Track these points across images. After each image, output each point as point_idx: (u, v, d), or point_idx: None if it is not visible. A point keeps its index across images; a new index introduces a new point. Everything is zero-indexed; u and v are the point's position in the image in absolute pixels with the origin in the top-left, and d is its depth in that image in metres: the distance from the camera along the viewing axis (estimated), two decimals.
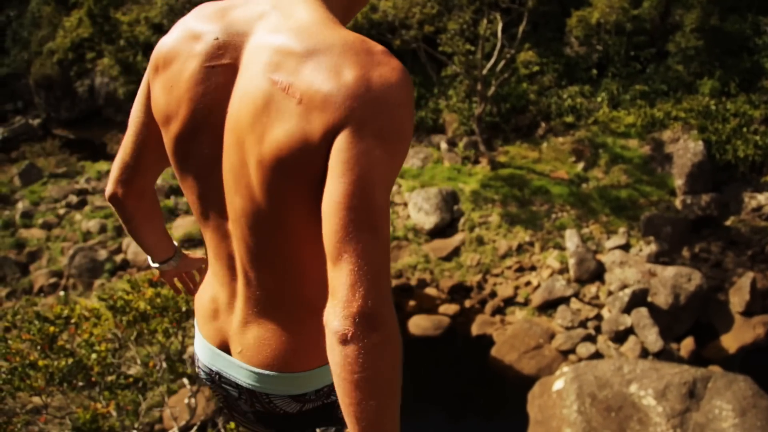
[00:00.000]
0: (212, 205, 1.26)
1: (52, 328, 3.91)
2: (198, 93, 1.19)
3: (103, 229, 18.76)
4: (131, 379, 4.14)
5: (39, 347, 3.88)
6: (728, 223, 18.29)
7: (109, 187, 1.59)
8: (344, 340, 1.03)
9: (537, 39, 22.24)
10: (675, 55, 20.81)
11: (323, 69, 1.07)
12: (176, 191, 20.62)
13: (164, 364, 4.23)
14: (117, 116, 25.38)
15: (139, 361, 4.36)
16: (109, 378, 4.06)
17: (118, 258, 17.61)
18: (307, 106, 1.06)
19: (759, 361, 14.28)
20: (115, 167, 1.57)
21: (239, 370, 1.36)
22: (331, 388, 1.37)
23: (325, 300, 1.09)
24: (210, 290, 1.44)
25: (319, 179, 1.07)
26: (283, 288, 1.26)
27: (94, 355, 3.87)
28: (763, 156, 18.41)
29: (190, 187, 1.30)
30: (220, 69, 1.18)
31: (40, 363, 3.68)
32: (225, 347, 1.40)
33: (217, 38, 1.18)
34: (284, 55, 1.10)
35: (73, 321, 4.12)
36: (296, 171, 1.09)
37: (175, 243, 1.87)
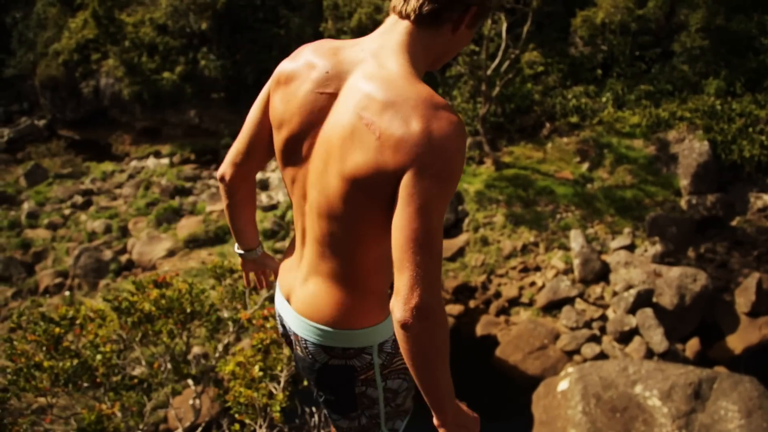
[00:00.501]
0: (298, 191, 1.67)
1: (57, 329, 3.92)
2: (306, 110, 1.59)
3: (108, 230, 18.82)
4: (136, 380, 4.15)
5: (44, 348, 3.89)
6: (734, 223, 18.21)
7: (222, 167, 1.95)
8: (404, 326, 1.42)
9: (541, 39, 22.19)
10: (680, 55, 20.74)
11: (398, 117, 1.41)
12: (180, 192, 20.67)
13: (169, 365, 4.24)
14: (122, 117, 25.46)
15: (143, 362, 4.37)
16: (114, 379, 4.06)
17: (123, 258, 17.66)
18: (383, 143, 1.41)
19: (765, 362, 14.20)
20: (230, 152, 1.93)
21: (292, 316, 1.79)
22: (355, 352, 1.72)
23: (358, 281, 1.64)
24: (291, 250, 1.90)
25: (383, 197, 1.44)
26: (332, 263, 1.66)
27: (99, 356, 3.88)
28: None
29: (287, 175, 1.70)
30: (325, 96, 1.57)
31: (45, 364, 3.69)
32: (288, 298, 1.82)
33: (328, 72, 1.57)
34: (371, 100, 1.45)
35: (78, 322, 4.13)
36: (366, 188, 1.47)
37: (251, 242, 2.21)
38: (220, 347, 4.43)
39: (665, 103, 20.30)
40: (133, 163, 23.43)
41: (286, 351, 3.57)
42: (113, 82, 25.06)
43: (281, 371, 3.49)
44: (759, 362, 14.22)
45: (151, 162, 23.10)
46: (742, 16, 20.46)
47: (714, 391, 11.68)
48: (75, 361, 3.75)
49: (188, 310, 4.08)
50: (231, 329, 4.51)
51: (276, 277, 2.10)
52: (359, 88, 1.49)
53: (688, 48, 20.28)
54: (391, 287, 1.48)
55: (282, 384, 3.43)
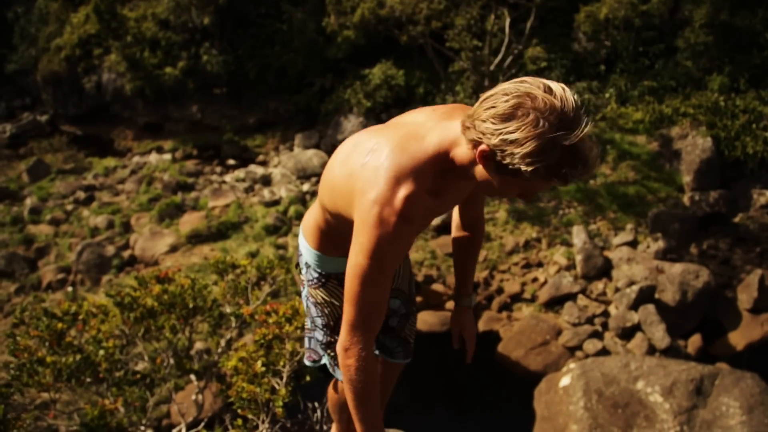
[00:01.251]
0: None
1: (60, 325, 3.92)
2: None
3: (110, 225, 18.83)
4: (139, 376, 4.15)
5: (47, 343, 3.90)
6: (737, 219, 18.17)
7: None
8: (338, 362, 1.88)
9: (545, 35, 22.10)
10: (684, 51, 20.65)
11: (361, 184, 1.78)
12: (183, 187, 20.67)
13: (171, 361, 4.24)
14: (124, 112, 25.45)
15: (146, 357, 4.37)
16: (117, 374, 4.07)
17: (126, 254, 17.67)
18: (356, 193, 1.79)
19: (767, 358, 14.20)
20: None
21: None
22: (316, 281, 2.28)
23: (326, 239, 2.23)
24: None
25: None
26: (320, 220, 2.16)
27: (101, 352, 3.88)
28: None
29: None
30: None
31: (48, 359, 3.69)
32: None
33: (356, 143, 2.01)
34: (360, 164, 1.84)
35: (80, 317, 4.13)
36: (341, 209, 1.95)
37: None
38: (222, 342, 4.43)
39: (668, 99, 20.22)
40: (136, 159, 23.44)
41: (289, 346, 3.58)
42: (115, 78, 25.04)
43: (284, 366, 3.49)
44: (761, 359, 14.21)
45: (153, 157, 23.10)
46: (746, 12, 20.36)
47: (715, 388, 11.68)
48: (78, 357, 3.75)
49: (191, 306, 4.09)
50: (233, 324, 4.52)
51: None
52: (358, 155, 1.98)
53: (691, 44, 20.19)
54: None
55: (284, 379, 3.44)
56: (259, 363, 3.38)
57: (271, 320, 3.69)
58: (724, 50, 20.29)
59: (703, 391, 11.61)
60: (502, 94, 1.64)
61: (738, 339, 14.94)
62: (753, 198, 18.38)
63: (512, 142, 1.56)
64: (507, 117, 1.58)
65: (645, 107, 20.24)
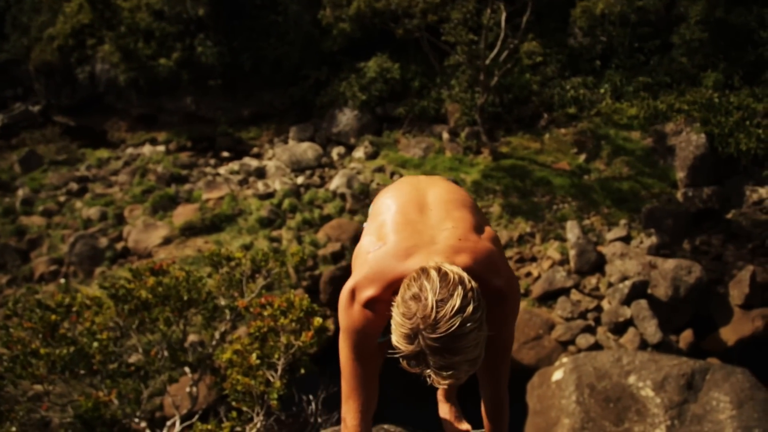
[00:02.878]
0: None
1: (53, 317, 3.89)
2: None
3: (103, 217, 18.72)
4: (133, 368, 4.13)
5: (41, 335, 3.87)
6: (729, 216, 18.24)
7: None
8: None
9: (541, 29, 22.08)
10: (679, 47, 20.68)
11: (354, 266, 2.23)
12: (177, 179, 20.59)
13: (166, 353, 4.23)
14: (118, 103, 25.29)
15: (140, 350, 4.35)
16: (111, 366, 4.05)
17: (119, 246, 17.59)
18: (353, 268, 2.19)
19: (757, 354, 14.29)
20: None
21: None
22: None
23: None
24: None
25: None
26: None
27: (95, 344, 3.86)
28: (765, 149, 18.31)
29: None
30: None
31: (42, 351, 3.67)
32: None
33: None
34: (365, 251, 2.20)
35: (74, 309, 4.11)
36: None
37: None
38: (216, 335, 4.42)
39: (663, 95, 20.26)
40: (129, 150, 23.31)
41: (284, 339, 3.57)
42: (109, 68, 24.86)
43: (278, 359, 3.48)
44: (751, 354, 14.31)
45: (147, 149, 22.97)
46: (741, 9, 20.40)
47: (706, 382, 11.75)
48: (71, 349, 3.73)
49: (185, 298, 4.07)
50: (228, 317, 4.50)
51: None
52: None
53: (687, 40, 20.22)
54: None
55: (279, 372, 3.43)
56: (254, 356, 3.37)
57: (266, 313, 3.69)
58: (719, 47, 20.33)
59: (694, 385, 11.68)
60: (410, 281, 1.84)
61: (729, 334, 15.03)
62: (746, 194, 18.46)
63: (394, 321, 1.84)
64: (400, 303, 1.82)
65: (640, 103, 20.27)
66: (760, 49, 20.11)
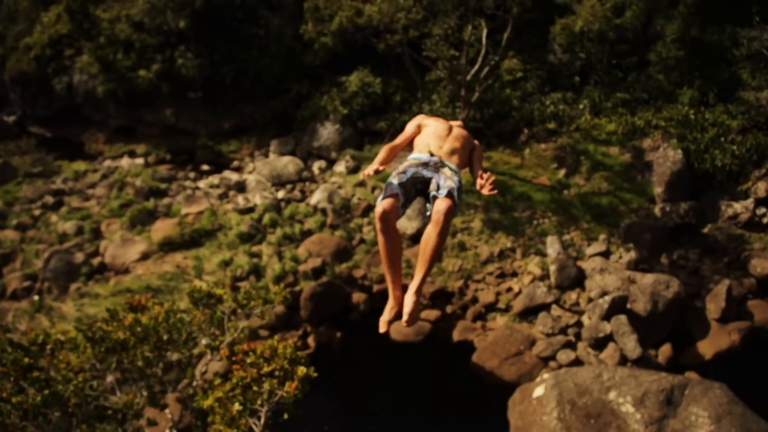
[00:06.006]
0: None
1: (26, 359, 3.77)
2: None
3: (80, 231, 18.39)
4: (110, 411, 4.02)
5: (12, 379, 3.74)
6: (705, 230, 18.52)
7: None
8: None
9: (521, 45, 22.31)
10: (656, 65, 21.01)
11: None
12: (155, 193, 20.34)
13: (144, 392, 4.12)
14: (96, 114, 24.99)
15: (118, 393, 4.24)
16: (87, 409, 3.93)
17: (96, 261, 17.28)
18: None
19: (734, 368, 14.46)
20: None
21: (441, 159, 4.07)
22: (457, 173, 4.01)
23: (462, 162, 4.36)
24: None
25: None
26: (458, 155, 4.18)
27: (71, 386, 3.75)
28: (739, 165, 18.65)
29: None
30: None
31: (14, 400, 3.53)
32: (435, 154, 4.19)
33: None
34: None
35: (48, 347, 3.99)
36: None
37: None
38: (198, 375, 4.32)
39: (641, 112, 20.56)
40: (107, 163, 22.98)
41: (267, 385, 3.50)
42: (87, 79, 24.56)
43: (261, 406, 3.41)
44: (728, 368, 14.48)
45: (125, 162, 22.68)
46: (715, 28, 20.80)
47: (685, 397, 11.84)
48: (46, 392, 3.61)
49: (165, 338, 3.98)
50: (209, 356, 4.40)
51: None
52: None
53: (663, 58, 20.56)
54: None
55: (263, 420, 3.36)
56: (236, 404, 3.29)
57: (248, 360, 3.61)
58: (695, 65, 20.70)
59: (673, 401, 11.76)
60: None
61: (707, 348, 15.18)
62: (721, 209, 18.76)
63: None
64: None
65: (618, 119, 20.54)
66: (734, 67, 20.50)
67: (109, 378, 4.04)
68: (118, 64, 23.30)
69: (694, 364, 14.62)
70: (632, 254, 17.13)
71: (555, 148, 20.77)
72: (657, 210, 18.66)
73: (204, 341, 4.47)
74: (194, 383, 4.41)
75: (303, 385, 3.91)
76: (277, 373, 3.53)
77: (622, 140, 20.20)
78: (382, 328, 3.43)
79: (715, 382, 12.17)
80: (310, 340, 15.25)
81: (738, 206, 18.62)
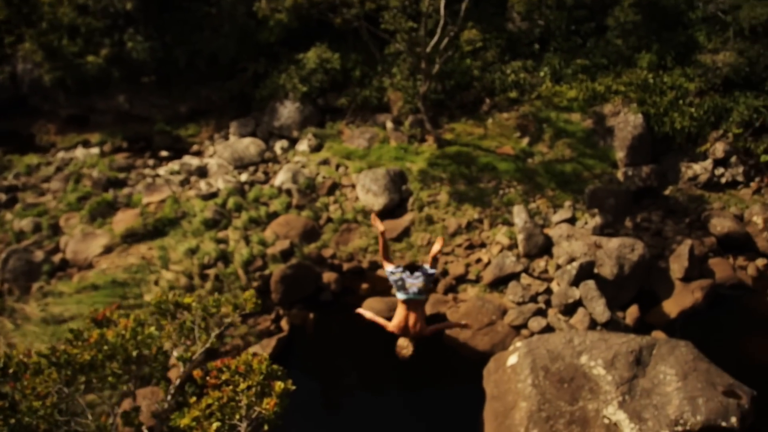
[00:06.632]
0: None
1: None
2: None
3: (37, 228, 17.74)
4: None
5: None
6: (667, 192, 18.91)
7: None
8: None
9: (479, 15, 22.12)
10: (614, 30, 21.10)
11: None
12: (114, 183, 19.73)
13: (118, 410, 3.98)
14: (44, 105, 23.97)
15: (90, 416, 4.08)
16: None
17: (57, 258, 16.73)
18: None
19: (698, 325, 14.93)
20: None
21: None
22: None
23: None
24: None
25: None
26: None
27: (40, 412, 3.59)
28: (698, 127, 19.02)
29: None
30: None
31: None
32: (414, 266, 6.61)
33: None
34: None
35: (11, 371, 3.79)
36: None
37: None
38: (172, 389, 4.19)
39: (601, 77, 20.69)
40: (61, 155, 22.15)
41: (244, 400, 3.41)
42: (32, 68, 23.49)
43: (240, 421, 3.32)
44: (692, 325, 14.95)
45: (79, 152, 21.88)
46: None
47: (653, 357, 12.19)
48: (12, 421, 3.44)
49: (134, 354, 3.83)
50: (182, 369, 4.27)
51: None
52: None
53: (621, 22, 20.64)
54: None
55: None
56: (213, 426, 3.19)
57: (223, 377, 3.50)
58: (652, 29, 20.86)
59: (642, 361, 12.09)
60: None
61: (671, 307, 15.60)
62: (681, 171, 19.16)
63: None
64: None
65: (578, 85, 20.65)
66: (690, 30, 20.74)
67: (80, 402, 3.88)
68: (63, 51, 22.28)
69: (660, 324, 15.04)
70: (597, 219, 17.40)
71: (517, 116, 20.82)
72: (620, 174, 18.94)
73: (176, 353, 4.33)
74: (168, 397, 4.29)
75: (282, 400, 3.82)
76: (255, 389, 3.43)
77: (583, 106, 20.35)
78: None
79: (681, 340, 12.56)
80: (283, 323, 15.15)
81: (697, 167, 19.04)
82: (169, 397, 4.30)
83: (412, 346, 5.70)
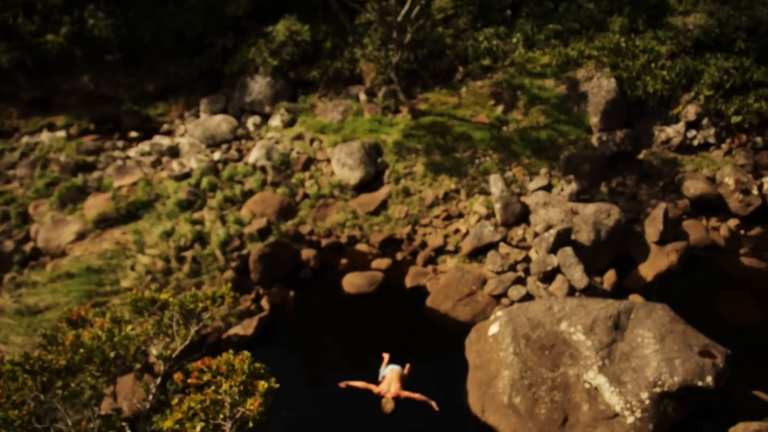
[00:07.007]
0: None
1: None
2: None
3: (5, 217, 17.27)
4: None
5: None
6: (641, 156, 19.05)
7: None
8: None
9: None
10: None
11: None
12: (83, 167, 19.23)
13: (98, 412, 3.88)
14: (4, 88, 23.10)
15: (69, 422, 3.98)
16: None
17: (28, 247, 16.35)
18: None
19: (674, 287, 15.21)
20: None
21: None
22: None
23: None
24: None
25: None
26: None
27: (17, 422, 3.47)
28: (670, 90, 19.09)
29: None
30: None
31: None
32: None
33: None
34: None
35: None
36: None
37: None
38: (152, 388, 4.10)
39: (573, 42, 20.59)
40: (25, 139, 21.47)
41: (228, 399, 3.34)
42: None
43: (224, 420, 3.25)
44: (668, 287, 15.23)
45: (45, 136, 21.23)
46: None
47: (631, 321, 12.39)
48: None
49: (111, 356, 3.72)
50: (162, 367, 4.18)
51: None
52: None
53: None
54: None
55: None
56: (198, 428, 3.13)
57: (205, 377, 3.42)
58: None
59: (620, 325, 12.29)
60: None
61: (647, 270, 15.84)
62: (654, 135, 19.29)
63: None
64: None
65: (551, 51, 20.53)
66: None
67: (59, 409, 3.77)
68: (20, 30, 21.41)
69: (637, 287, 15.29)
70: (573, 186, 17.50)
71: (491, 84, 20.69)
72: (594, 140, 19.01)
73: (155, 351, 4.23)
74: (150, 396, 4.20)
75: (266, 399, 3.76)
76: (239, 388, 3.36)
77: (556, 72, 20.27)
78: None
79: (657, 303, 12.77)
80: (264, 302, 15.08)
81: (670, 130, 19.18)
82: (150, 397, 4.22)
83: (393, 402, 7.71)
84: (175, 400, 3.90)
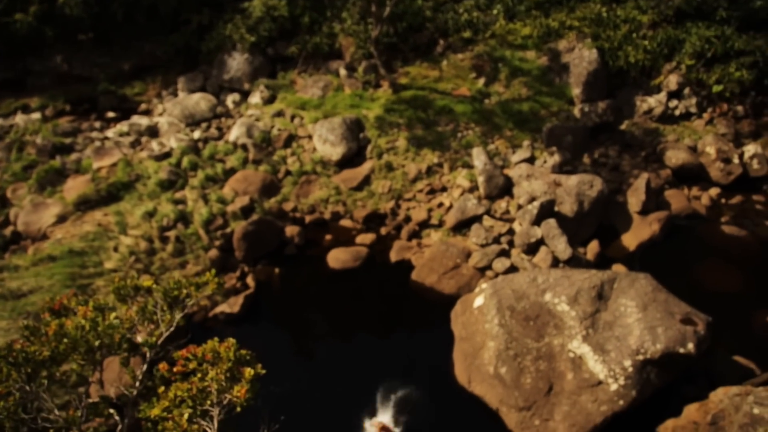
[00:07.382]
0: None
1: None
2: None
3: None
4: (52, 430, 3.74)
5: None
6: (623, 127, 19.11)
7: None
8: None
9: None
10: None
11: None
12: (60, 149, 18.87)
13: (87, 400, 3.86)
14: None
15: (56, 410, 3.95)
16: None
17: (8, 231, 16.08)
18: None
19: (656, 256, 15.41)
20: None
21: None
22: None
23: None
24: None
25: None
26: None
27: (2, 413, 3.44)
28: (651, 60, 19.09)
29: None
30: None
31: None
32: None
33: None
34: None
35: None
36: None
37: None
38: (139, 374, 4.08)
39: (554, 13, 20.44)
40: None
41: (214, 385, 3.33)
42: None
43: (211, 406, 3.24)
44: (651, 256, 15.43)
45: (19, 119, 20.74)
46: None
47: (614, 291, 12.54)
48: None
49: (96, 344, 3.69)
50: (148, 354, 4.15)
51: None
52: None
53: None
54: None
55: (216, 425, 3.20)
56: (185, 416, 3.12)
57: (191, 365, 3.39)
58: None
59: (604, 295, 12.43)
60: None
61: (630, 240, 16.00)
62: (636, 105, 19.33)
63: None
64: None
65: (532, 22, 20.39)
66: None
67: (46, 398, 3.73)
68: None
69: (620, 257, 15.47)
70: (556, 157, 17.54)
71: (472, 57, 20.54)
72: (576, 111, 19.02)
73: (140, 338, 4.19)
74: (137, 383, 4.18)
75: (253, 385, 3.76)
76: (225, 375, 3.35)
77: (537, 44, 20.16)
78: None
79: (640, 272, 12.94)
80: (249, 280, 15.05)
81: (652, 101, 19.22)
82: (137, 383, 4.20)
83: None
84: (162, 389, 3.88)
